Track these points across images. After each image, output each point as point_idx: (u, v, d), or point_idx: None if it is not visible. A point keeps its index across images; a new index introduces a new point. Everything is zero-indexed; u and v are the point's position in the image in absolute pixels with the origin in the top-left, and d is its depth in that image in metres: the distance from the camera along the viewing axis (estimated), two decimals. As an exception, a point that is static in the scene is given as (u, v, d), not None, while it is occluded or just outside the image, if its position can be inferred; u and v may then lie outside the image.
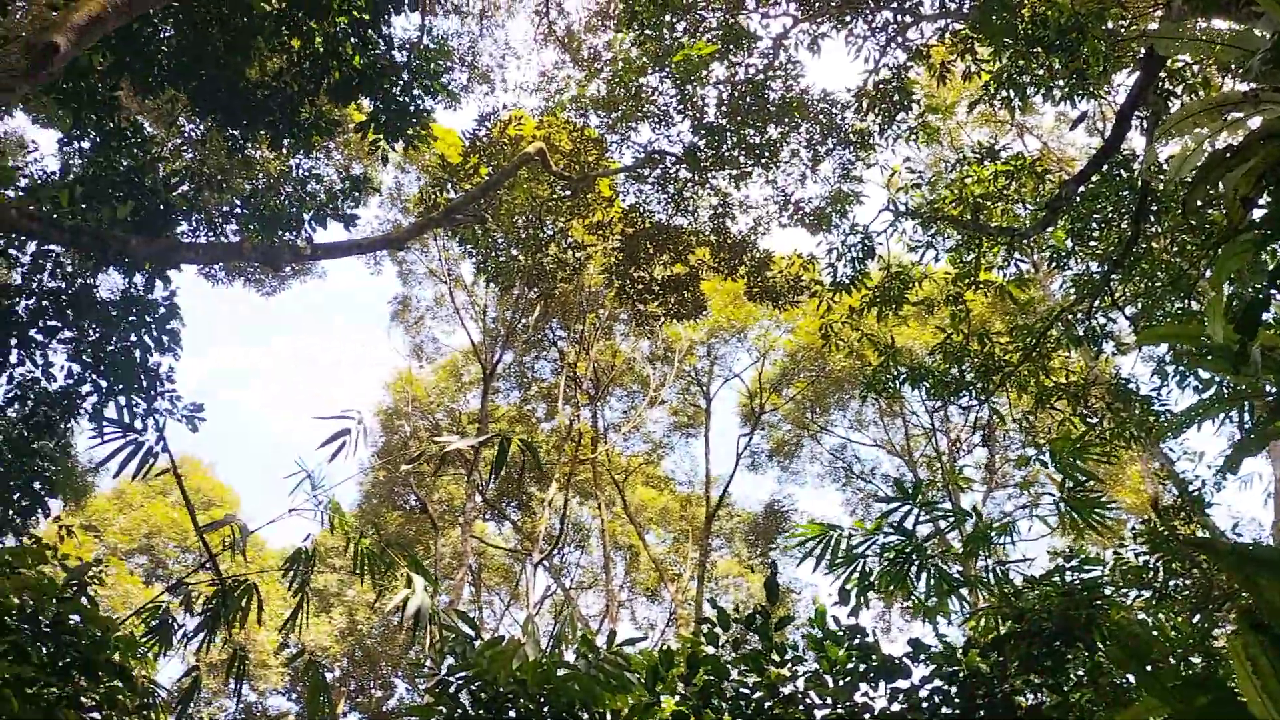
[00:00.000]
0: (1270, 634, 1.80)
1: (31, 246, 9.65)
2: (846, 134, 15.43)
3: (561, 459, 28.12)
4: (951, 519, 6.06)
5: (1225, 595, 8.59)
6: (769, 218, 17.32)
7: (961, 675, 4.69)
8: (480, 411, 28.57)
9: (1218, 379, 7.22)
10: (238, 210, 11.03)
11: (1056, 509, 5.81)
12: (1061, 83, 10.26)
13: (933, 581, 5.68)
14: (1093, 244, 12.38)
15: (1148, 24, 10.99)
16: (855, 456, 33.76)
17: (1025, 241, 12.73)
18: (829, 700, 4.62)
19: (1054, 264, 13.06)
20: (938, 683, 4.73)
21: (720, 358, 32.24)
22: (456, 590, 26.23)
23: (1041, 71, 10.49)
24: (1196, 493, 11.64)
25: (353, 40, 10.31)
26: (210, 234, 10.79)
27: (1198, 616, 8.63)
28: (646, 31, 14.55)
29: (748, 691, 4.66)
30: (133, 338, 9.41)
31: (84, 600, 4.79)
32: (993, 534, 5.73)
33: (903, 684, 4.73)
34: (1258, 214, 2.56)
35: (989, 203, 12.47)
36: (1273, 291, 2.68)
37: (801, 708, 4.55)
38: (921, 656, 4.82)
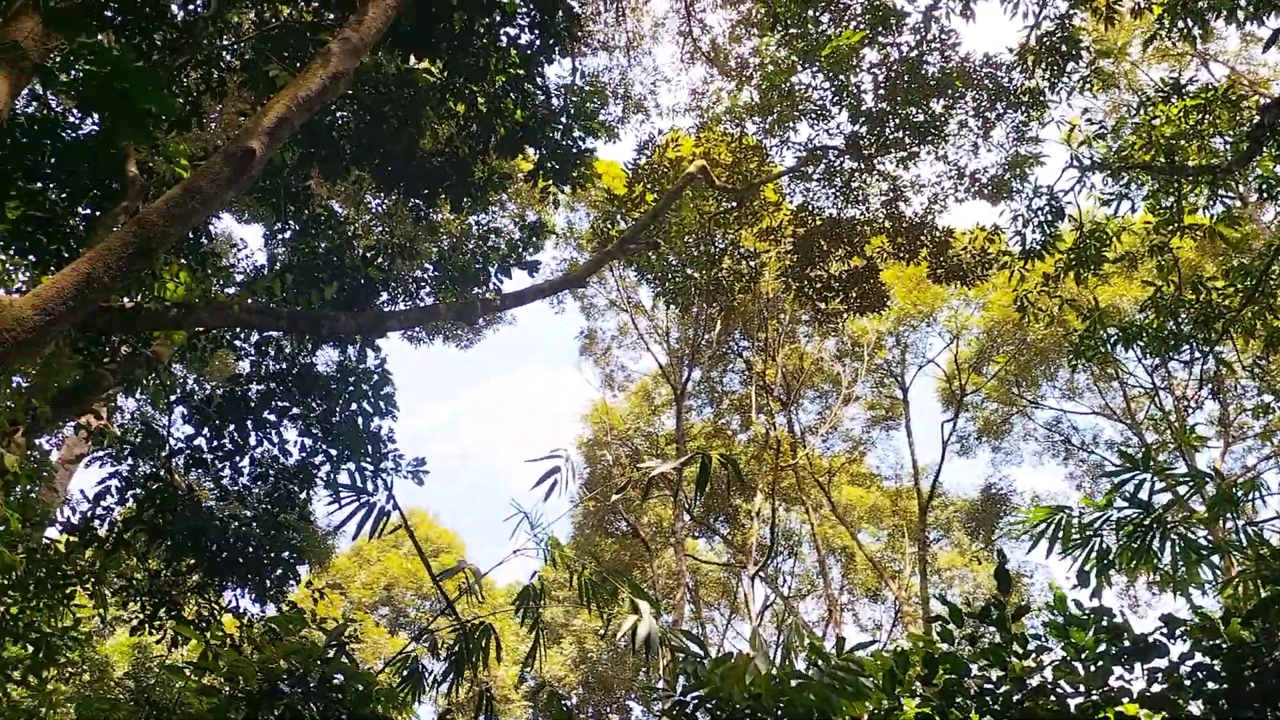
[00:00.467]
0: None
1: (254, 336, 10.60)
2: (1015, 95, 14.79)
3: (763, 468, 28.04)
4: (1190, 482, 5.72)
5: None
6: (944, 194, 16.78)
7: (1224, 647, 4.37)
8: (676, 431, 28.93)
9: None
10: (430, 273, 11.71)
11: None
12: (1244, 1, 9.50)
13: (1179, 551, 5.38)
14: (1309, 166, 11.37)
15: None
16: (1072, 427, 31.95)
17: (1229, 177, 11.87)
18: (1081, 688, 4.40)
19: (1265, 195, 12.11)
20: (1199, 658, 4.42)
21: (910, 345, 31.33)
22: (677, 609, 26.54)
23: (1221, -8, 9.77)
24: None
25: (512, 96, 10.77)
26: (408, 300, 11.50)
27: None
28: (791, 30, 14.49)
29: (992, 686, 4.51)
30: (353, 406, 10.12)
31: (344, 659, 5.16)
32: (1238, 492, 5.35)
33: (1160, 663, 4.45)
34: None
35: (1182, 142, 11.71)
36: None
37: (1053, 698, 4.36)
38: (1178, 632, 4.52)
